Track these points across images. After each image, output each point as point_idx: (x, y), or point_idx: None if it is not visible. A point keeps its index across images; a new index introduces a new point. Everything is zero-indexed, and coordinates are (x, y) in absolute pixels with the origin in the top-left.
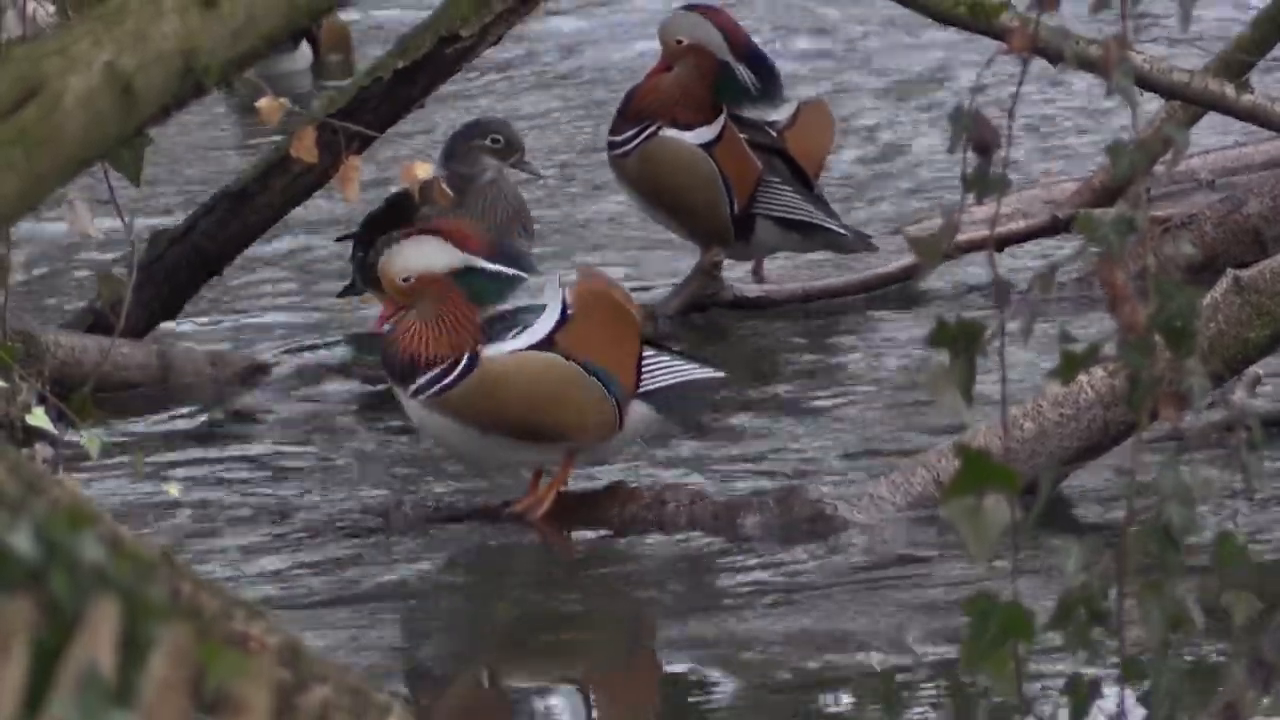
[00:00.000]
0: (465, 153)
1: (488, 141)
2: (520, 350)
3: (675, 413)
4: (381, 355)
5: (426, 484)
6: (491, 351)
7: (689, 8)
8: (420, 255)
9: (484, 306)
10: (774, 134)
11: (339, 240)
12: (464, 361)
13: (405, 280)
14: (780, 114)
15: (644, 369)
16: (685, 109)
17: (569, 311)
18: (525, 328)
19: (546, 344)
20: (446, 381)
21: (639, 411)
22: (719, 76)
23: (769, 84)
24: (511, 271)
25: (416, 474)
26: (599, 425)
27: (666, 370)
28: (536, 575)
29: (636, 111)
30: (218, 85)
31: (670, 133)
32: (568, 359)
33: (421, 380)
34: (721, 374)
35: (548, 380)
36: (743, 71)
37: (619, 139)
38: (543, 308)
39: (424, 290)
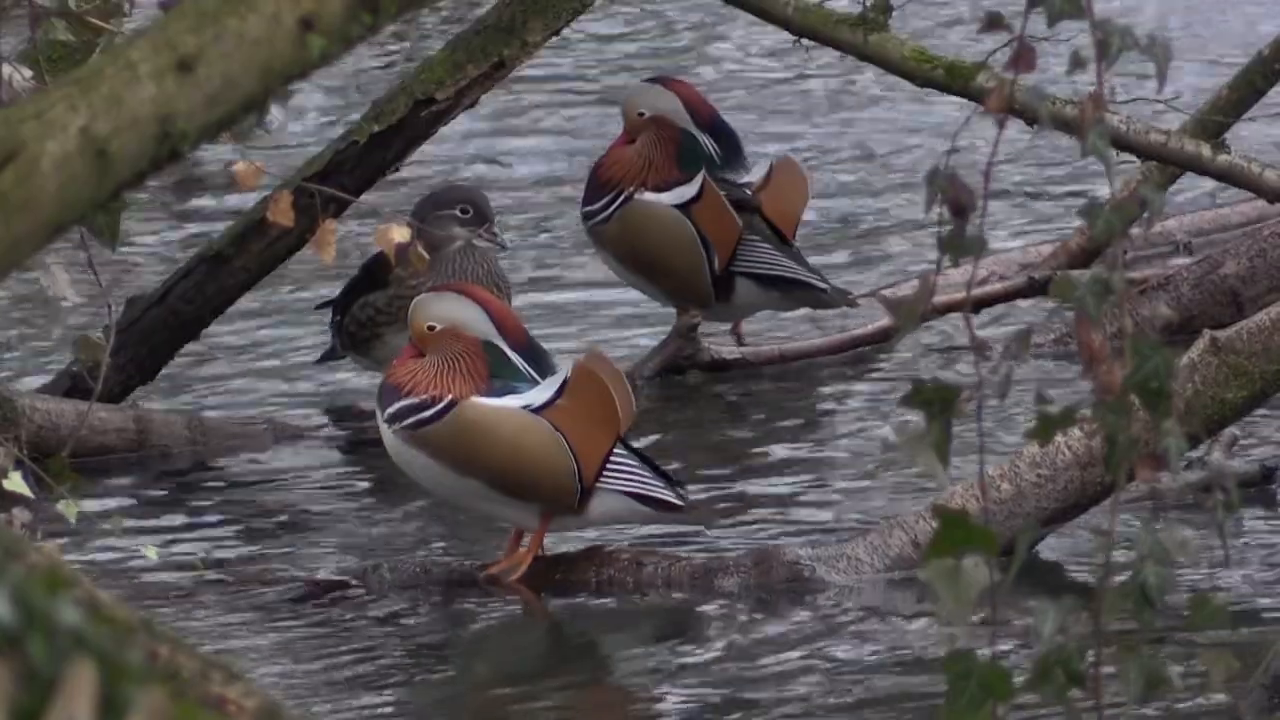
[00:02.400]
0: (434, 220)
1: (456, 211)
2: (505, 406)
3: (628, 516)
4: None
5: (404, 547)
6: (475, 400)
7: (652, 80)
8: (455, 311)
9: (494, 380)
10: (749, 193)
11: (319, 308)
12: (444, 401)
13: (431, 328)
14: (753, 173)
15: (608, 467)
16: (653, 176)
17: (564, 388)
18: (519, 394)
19: (535, 411)
20: (424, 416)
21: (606, 502)
22: (682, 146)
23: (732, 153)
24: (531, 371)
25: (394, 537)
26: (562, 497)
27: (629, 476)
28: (513, 638)
29: (604, 182)
30: (193, 150)
31: (647, 196)
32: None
33: (398, 407)
34: (678, 500)
35: (522, 438)
36: (706, 141)
37: (594, 208)
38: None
39: (446, 341)
